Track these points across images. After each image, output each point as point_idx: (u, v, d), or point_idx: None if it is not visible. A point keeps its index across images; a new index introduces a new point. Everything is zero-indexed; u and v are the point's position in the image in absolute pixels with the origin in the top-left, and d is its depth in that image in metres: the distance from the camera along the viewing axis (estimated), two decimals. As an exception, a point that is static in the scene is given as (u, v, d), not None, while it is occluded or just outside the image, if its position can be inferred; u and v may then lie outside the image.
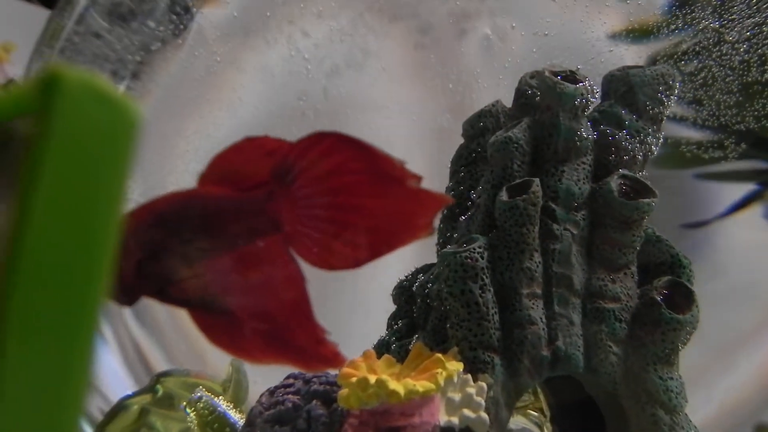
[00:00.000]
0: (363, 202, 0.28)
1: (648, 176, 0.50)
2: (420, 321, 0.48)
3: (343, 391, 0.40)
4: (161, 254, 0.30)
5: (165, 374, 0.64)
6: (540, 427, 0.56)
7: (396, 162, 0.27)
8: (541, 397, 0.55)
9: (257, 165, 0.29)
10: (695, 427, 0.45)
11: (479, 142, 0.52)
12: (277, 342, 0.30)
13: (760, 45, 0.67)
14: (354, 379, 0.40)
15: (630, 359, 0.44)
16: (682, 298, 0.44)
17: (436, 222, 0.29)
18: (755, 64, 0.68)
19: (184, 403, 0.58)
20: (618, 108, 0.51)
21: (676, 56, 0.67)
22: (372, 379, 0.39)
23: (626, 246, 0.45)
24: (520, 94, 0.51)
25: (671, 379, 0.44)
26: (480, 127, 0.52)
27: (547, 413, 0.56)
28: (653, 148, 0.52)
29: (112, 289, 0.17)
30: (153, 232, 0.30)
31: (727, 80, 0.69)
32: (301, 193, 0.29)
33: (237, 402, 0.59)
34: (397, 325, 0.49)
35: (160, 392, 0.61)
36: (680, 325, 0.43)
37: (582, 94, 0.47)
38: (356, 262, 0.29)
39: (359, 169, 0.28)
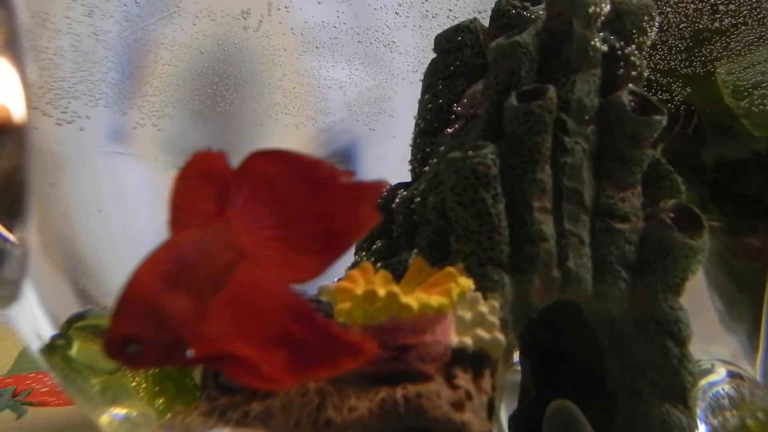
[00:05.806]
0: (305, 210, 0.29)
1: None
2: (401, 240, 0.43)
3: (344, 305, 0.35)
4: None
5: (77, 318, 0.56)
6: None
7: (325, 164, 0.28)
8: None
9: (201, 193, 0.28)
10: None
11: (457, 56, 0.48)
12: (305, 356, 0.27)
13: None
14: (359, 291, 0.34)
15: (638, 286, 0.41)
16: (691, 223, 0.42)
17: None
18: (707, 13, 0.68)
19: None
20: (606, 33, 0.48)
21: None
22: (381, 291, 0.34)
23: (636, 164, 0.42)
24: (500, 14, 0.47)
25: (681, 309, 0.41)
26: (458, 42, 0.48)
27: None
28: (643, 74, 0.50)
29: None
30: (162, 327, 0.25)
31: (680, 26, 0.69)
32: (253, 216, 0.28)
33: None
34: (376, 245, 0.44)
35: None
36: (692, 251, 0.40)
37: (596, 3, 0.43)
38: (317, 270, 0.29)
39: (295, 182, 0.28)
